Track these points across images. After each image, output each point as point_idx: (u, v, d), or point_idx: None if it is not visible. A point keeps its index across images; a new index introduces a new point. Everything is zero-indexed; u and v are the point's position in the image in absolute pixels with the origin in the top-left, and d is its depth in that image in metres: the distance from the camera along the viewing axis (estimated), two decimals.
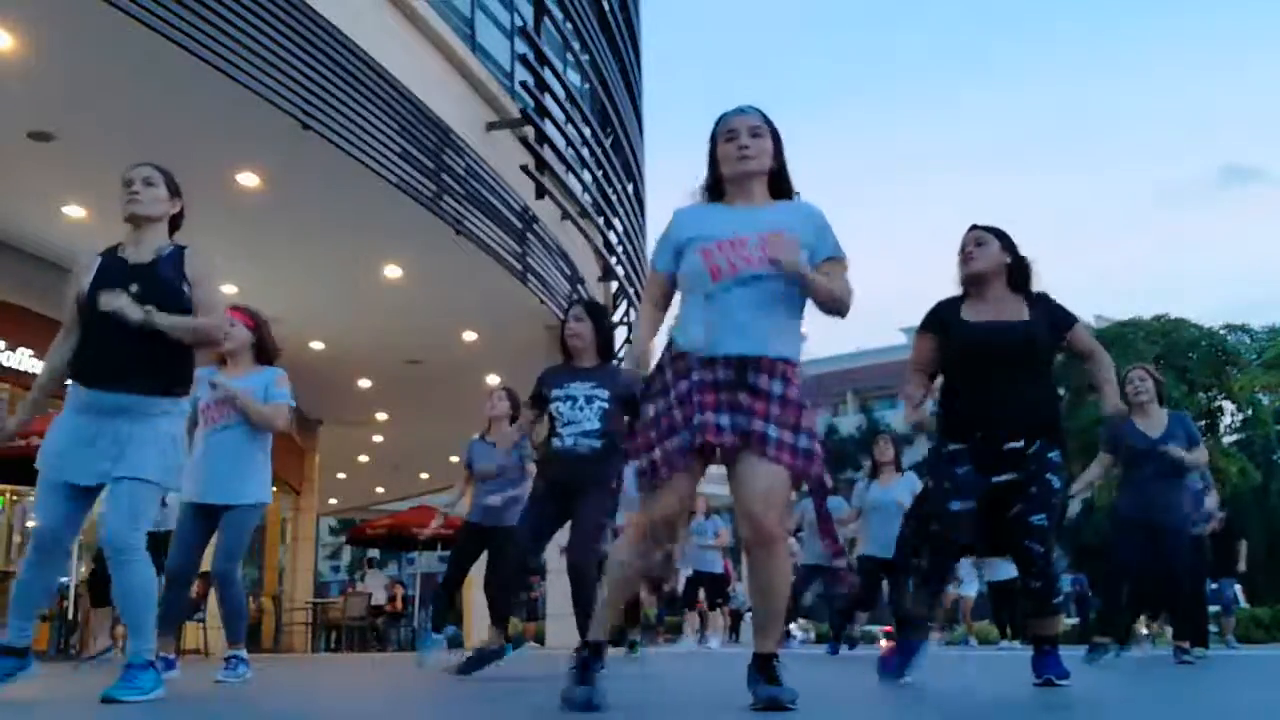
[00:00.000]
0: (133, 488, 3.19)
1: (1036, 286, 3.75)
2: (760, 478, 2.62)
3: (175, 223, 3.54)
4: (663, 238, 2.90)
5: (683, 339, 2.75)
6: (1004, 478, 3.53)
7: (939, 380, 3.83)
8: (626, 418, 4.60)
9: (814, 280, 2.68)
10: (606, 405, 4.55)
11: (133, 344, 3.20)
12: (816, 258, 2.76)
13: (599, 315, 4.83)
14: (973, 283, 3.71)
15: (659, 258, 2.90)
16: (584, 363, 4.71)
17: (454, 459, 12.88)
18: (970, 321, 3.66)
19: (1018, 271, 3.72)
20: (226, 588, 4.60)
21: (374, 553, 20.06)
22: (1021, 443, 3.52)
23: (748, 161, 2.81)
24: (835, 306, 2.75)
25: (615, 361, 4.93)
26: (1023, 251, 3.75)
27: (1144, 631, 8.05)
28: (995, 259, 3.68)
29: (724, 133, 2.85)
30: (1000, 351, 3.57)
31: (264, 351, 4.82)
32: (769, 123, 2.87)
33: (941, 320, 3.75)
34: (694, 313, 2.76)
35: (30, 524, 10.98)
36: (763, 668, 2.61)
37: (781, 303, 2.71)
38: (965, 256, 3.72)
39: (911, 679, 3.66)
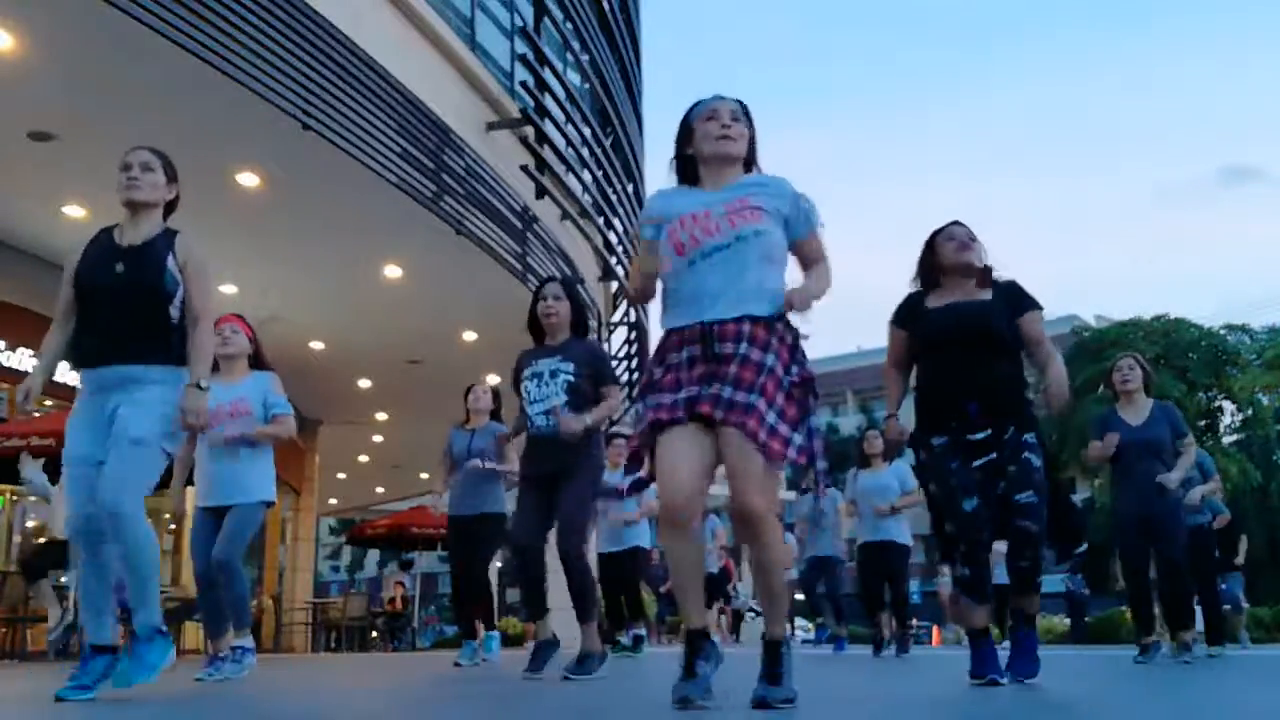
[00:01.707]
0: (121, 448, 3.20)
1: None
2: (730, 453, 2.58)
3: (170, 207, 3.57)
4: (643, 215, 2.91)
5: (664, 323, 2.77)
6: (981, 461, 3.57)
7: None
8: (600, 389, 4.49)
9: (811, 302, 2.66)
10: (571, 378, 4.40)
11: (130, 319, 3.28)
12: (794, 234, 2.75)
13: (575, 293, 4.71)
14: (959, 271, 3.74)
15: (647, 229, 2.86)
16: (554, 341, 4.57)
17: None
18: (931, 308, 3.73)
19: (985, 272, 3.78)
20: (226, 575, 4.60)
21: (368, 552, 20.00)
22: (988, 432, 3.55)
23: (728, 143, 2.79)
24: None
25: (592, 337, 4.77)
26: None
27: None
28: (981, 258, 3.75)
29: (704, 113, 2.83)
30: (957, 333, 3.62)
31: (258, 360, 4.95)
32: (747, 113, 2.87)
33: (911, 311, 3.80)
34: (667, 296, 2.78)
35: (30, 523, 10.98)
36: (768, 659, 2.57)
37: (750, 267, 2.67)
38: (961, 245, 3.73)
39: (1000, 678, 3.61)
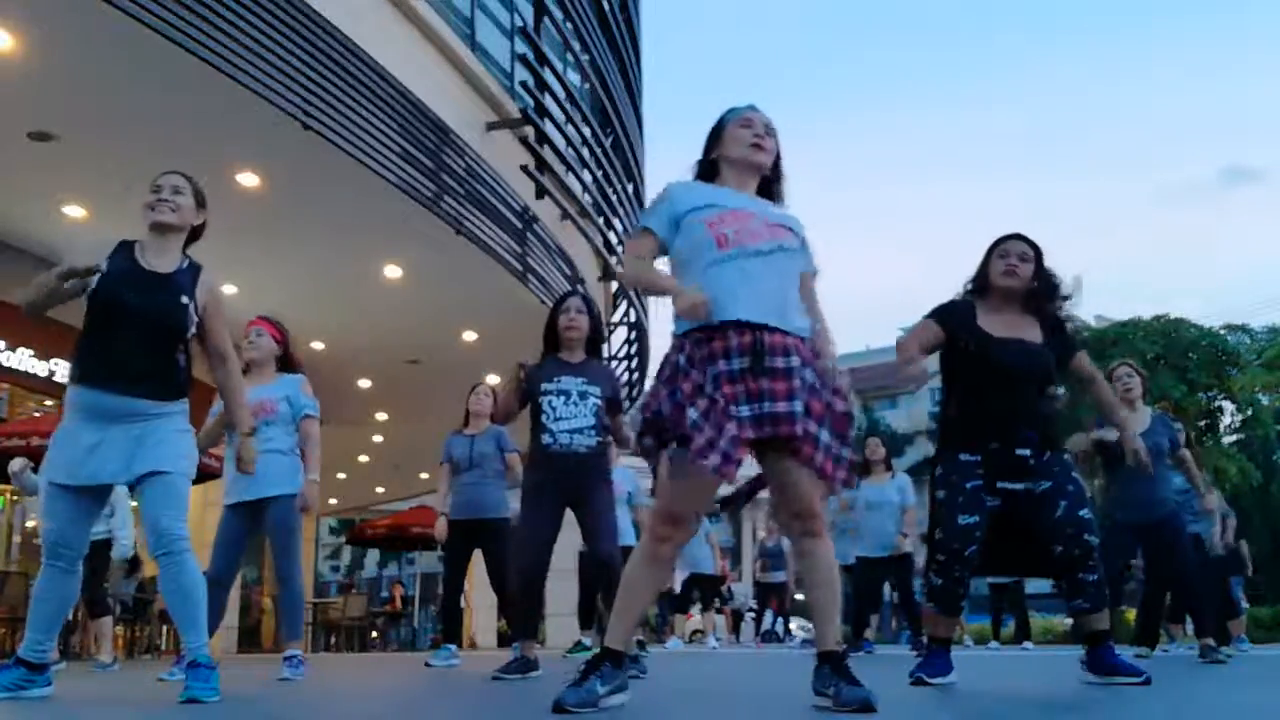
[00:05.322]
0: (165, 481, 3.21)
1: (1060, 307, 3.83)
2: (786, 476, 2.58)
3: (196, 234, 3.53)
4: (658, 204, 2.78)
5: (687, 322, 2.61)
6: (1014, 485, 3.59)
7: (935, 383, 3.87)
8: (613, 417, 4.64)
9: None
10: (599, 402, 4.52)
11: (147, 351, 3.22)
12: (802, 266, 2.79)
13: (595, 310, 4.78)
14: (1003, 294, 3.73)
15: (654, 219, 2.73)
16: (573, 358, 4.61)
17: None
18: (996, 337, 3.69)
19: (1043, 289, 3.75)
20: (287, 587, 4.82)
21: (368, 552, 19.97)
22: (1029, 451, 3.61)
23: (760, 152, 2.80)
24: None
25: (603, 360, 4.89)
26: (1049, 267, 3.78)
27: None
28: (1029, 280, 3.73)
29: (739, 119, 2.83)
30: (1025, 374, 3.67)
31: (288, 362, 4.92)
32: (776, 133, 2.88)
33: (958, 320, 3.76)
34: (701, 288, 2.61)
35: (30, 524, 10.98)
36: (835, 667, 2.52)
37: (790, 278, 2.69)
38: (1009, 268, 3.72)
39: (944, 681, 3.63)
